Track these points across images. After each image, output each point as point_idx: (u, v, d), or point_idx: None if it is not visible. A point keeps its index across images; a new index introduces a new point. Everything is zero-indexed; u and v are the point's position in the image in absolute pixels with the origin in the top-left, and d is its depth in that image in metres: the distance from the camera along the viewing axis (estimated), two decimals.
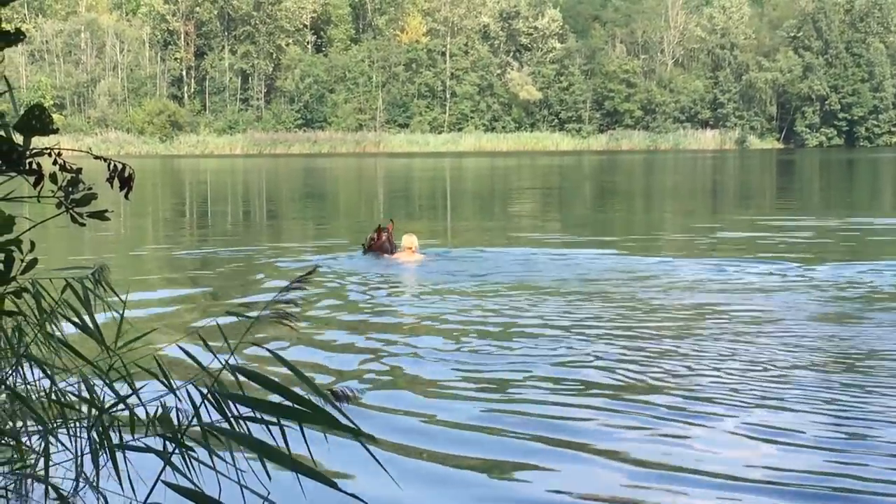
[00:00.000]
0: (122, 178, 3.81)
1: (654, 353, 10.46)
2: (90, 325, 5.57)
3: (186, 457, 5.13)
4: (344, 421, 3.91)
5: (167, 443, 4.91)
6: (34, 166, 2.92)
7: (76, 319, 5.59)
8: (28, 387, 5.59)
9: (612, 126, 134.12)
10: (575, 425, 8.01)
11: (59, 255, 19.13)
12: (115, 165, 3.79)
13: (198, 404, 4.39)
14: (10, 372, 5.34)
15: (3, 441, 5.53)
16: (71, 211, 3.39)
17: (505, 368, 9.89)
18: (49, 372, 5.37)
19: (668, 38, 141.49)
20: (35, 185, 3.30)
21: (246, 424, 4.48)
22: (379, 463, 4.11)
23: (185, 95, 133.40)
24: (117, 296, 6.11)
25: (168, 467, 4.73)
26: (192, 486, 4.65)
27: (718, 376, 9.47)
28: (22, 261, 3.19)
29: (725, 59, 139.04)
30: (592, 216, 32.66)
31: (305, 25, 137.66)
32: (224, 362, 4.20)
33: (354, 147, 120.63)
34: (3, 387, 5.32)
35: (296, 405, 3.91)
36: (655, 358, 10.25)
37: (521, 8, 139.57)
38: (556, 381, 9.38)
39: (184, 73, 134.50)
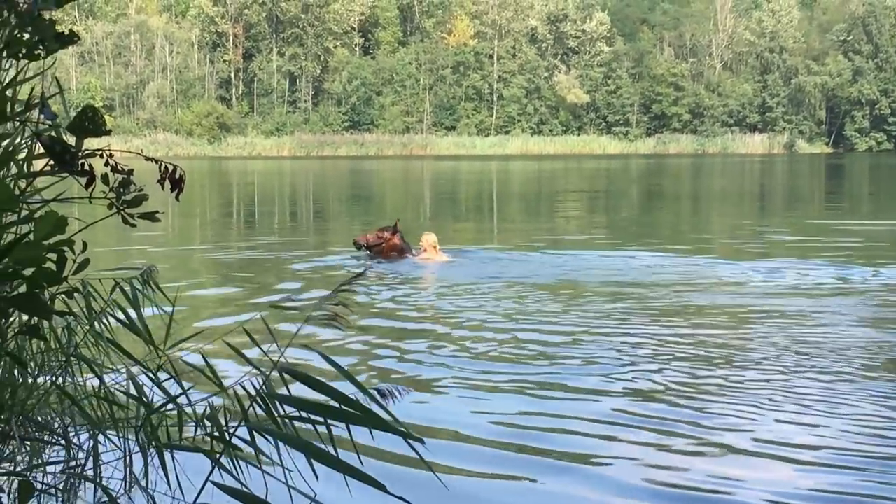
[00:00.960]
0: (173, 180, 3.83)
1: (699, 358, 10.37)
2: (139, 324, 5.59)
3: (234, 457, 5.15)
4: (393, 422, 3.89)
5: (215, 443, 4.92)
6: (86, 167, 2.94)
7: (125, 319, 5.62)
8: (77, 386, 5.62)
9: (660, 130, 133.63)
10: (615, 432, 7.95)
11: (107, 255, 19.26)
12: (166, 167, 3.81)
13: (246, 404, 4.39)
14: (59, 371, 5.37)
15: (53, 440, 5.56)
16: (122, 212, 3.40)
17: (551, 373, 9.84)
18: (98, 371, 5.40)
19: (717, 41, 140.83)
20: (87, 186, 3.31)
21: (293, 425, 4.48)
22: (428, 465, 4.10)
23: (233, 97, 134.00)
24: (165, 296, 6.14)
25: (216, 467, 4.74)
26: (240, 487, 4.65)
27: (765, 383, 9.37)
28: (74, 261, 3.21)
29: (774, 63, 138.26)
30: (638, 219, 32.52)
31: (353, 28, 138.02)
32: (274, 363, 4.21)
33: (401, 149, 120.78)
34: (52, 386, 5.35)
35: (345, 406, 3.90)
36: (701, 363, 10.17)
37: (569, 11, 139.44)
38: (599, 386, 9.29)
39: (232, 75, 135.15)
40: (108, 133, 2.72)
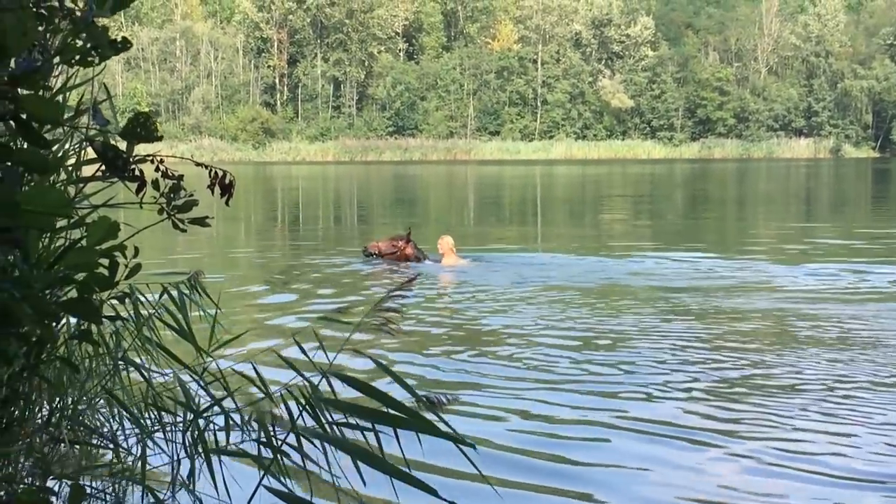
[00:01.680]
0: (223, 185, 3.85)
1: (746, 363, 10.33)
2: (186, 329, 5.62)
3: (281, 462, 5.17)
4: (444, 428, 3.90)
5: (262, 448, 4.94)
6: (136, 173, 2.96)
7: (172, 323, 5.65)
8: (126, 391, 5.65)
9: (705, 134, 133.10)
10: (657, 441, 7.91)
11: (152, 260, 19.37)
12: (216, 172, 3.83)
13: (293, 409, 4.40)
14: (108, 375, 5.40)
15: (101, 443, 5.59)
16: (173, 217, 3.42)
17: (595, 380, 9.82)
18: (146, 375, 5.43)
19: (762, 45, 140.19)
20: (137, 191, 3.33)
21: (340, 430, 4.49)
22: (479, 471, 4.10)
23: (278, 102, 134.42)
24: (212, 301, 6.16)
25: (263, 472, 4.76)
26: (287, 491, 4.66)
27: (816, 390, 9.32)
28: (126, 266, 3.22)
29: (820, 67, 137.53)
30: (684, 223, 32.39)
31: (397, 33, 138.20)
32: (323, 371, 4.21)
33: (445, 154, 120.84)
34: (101, 390, 5.38)
35: (396, 412, 3.91)
36: (749, 369, 10.12)
37: (613, 15, 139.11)
38: (642, 393, 9.27)
39: (277, 80, 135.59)
40: (160, 139, 2.74)
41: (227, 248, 23.80)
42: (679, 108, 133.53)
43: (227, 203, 3.90)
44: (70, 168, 4.24)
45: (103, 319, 5.62)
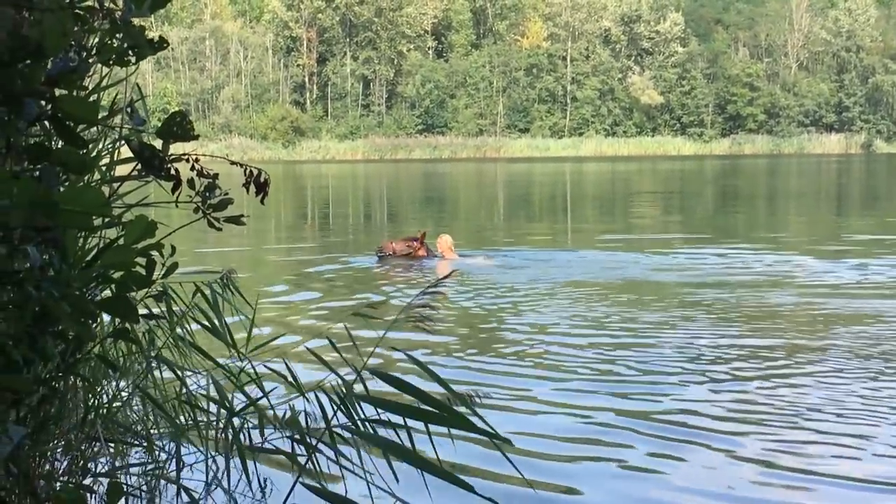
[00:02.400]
0: (258, 184, 3.86)
1: (774, 360, 10.25)
2: (219, 328, 5.63)
3: (315, 460, 5.18)
4: (481, 424, 3.89)
5: (297, 445, 4.95)
6: (172, 172, 2.97)
7: (206, 322, 5.66)
8: (159, 389, 5.67)
9: (735, 130, 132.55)
10: (682, 442, 7.86)
11: (184, 258, 19.42)
12: (251, 171, 3.84)
13: (326, 407, 4.41)
14: (142, 374, 5.42)
15: (136, 442, 5.61)
16: (208, 216, 3.43)
17: (626, 379, 9.77)
18: (180, 374, 5.45)
19: (793, 41, 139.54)
20: (173, 190, 3.34)
21: (373, 428, 4.50)
22: (514, 467, 4.09)
23: (308, 101, 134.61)
24: (245, 299, 6.17)
25: (300, 472, 4.77)
26: (321, 487, 4.67)
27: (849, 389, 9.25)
28: (163, 265, 3.24)
29: (851, 62, 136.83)
30: (713, 219, 32.28)
31: (426, 31, 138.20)
32: (356, 369, 4.22)
33: (475, 152, 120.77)
34: (136, 389, 5.40)
35: (433, 408, 3.91)
36: (784, 365, 10.05)
37: (642, 12, 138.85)
38: (671, 391, 9.21)
39: (306, 79, 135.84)
40: (196, 138, 2.75)
41: (258, 245, 23.85)
42: (709, 104, 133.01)
43: (262, 201, 3.91)
44: (105, 167, 4.26)
45: (141, 318, 5.65)
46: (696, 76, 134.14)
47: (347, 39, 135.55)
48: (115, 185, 4.19)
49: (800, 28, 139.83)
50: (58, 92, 2.18)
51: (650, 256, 20.02)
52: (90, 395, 4.96)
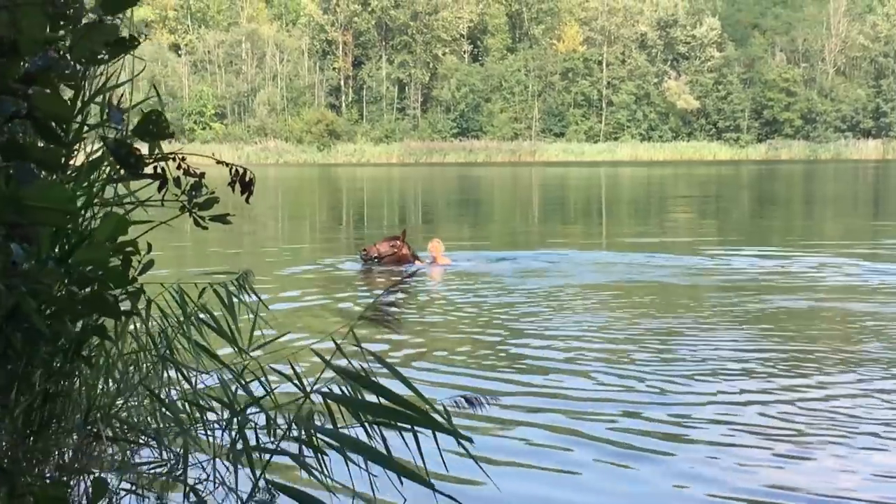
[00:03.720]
0: (244, 183, 3.88)
1: (808, 365, 10.19)
2: (231, 327, 5.66)
3: (321, 460, 5.19)
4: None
5: (302, 446, 4.97)
6: (158, 171, 2.98)
7: (214, 323, 5.68)
8: (167, 389, 5.70)
9: (771, 135, 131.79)
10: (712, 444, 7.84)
11: (213, 258, 19.60)
12: (237, 170, 3.85)
13: (324, 409, 4.42)
14: (150, 374, 5.45)
15: (143, 441, 5.64)
16: (194, 214, 3.44)
17: (652, 380, 9.75)
18: (187, 374, 5.47)
19: (830, 45, 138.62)
20: (159, 189, 3.36)
21: (381, 429, 4.50)
22: (475, 460, 4.10)
23: (343, 104, 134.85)
24: (259, 299, 6.19)
25: (302, 469, 4.79)
26: (326, 489, 4.70)
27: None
28: (139, 262, 3.25)
29: (889, 68, 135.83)
30: (749, 223, 32.17)
31: (462, 35, 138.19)
32: (360, 370, 4.23)
33: (510, 156, 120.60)
34: (144, 389, 5.43)
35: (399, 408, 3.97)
36: (809, 369, 10.00)
37: (678, 16, 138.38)
38: (695, 392, 9.20)
39: (341, 82, 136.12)
40: (172, 136, 2.76)
41: (289, 246, 23.94)
42: (745, 109, 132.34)
43: (247, 200, 3.93)
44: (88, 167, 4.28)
45: (152, 318, 5.69)
46: (732, 81, 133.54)
47: (383, 43, 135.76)
48: (99, 185, 4.19)
49: (837, 33, 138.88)
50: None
51: (683, 259, 20.02)
52: (94, 395, 4.99)
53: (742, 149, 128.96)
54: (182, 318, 5.60)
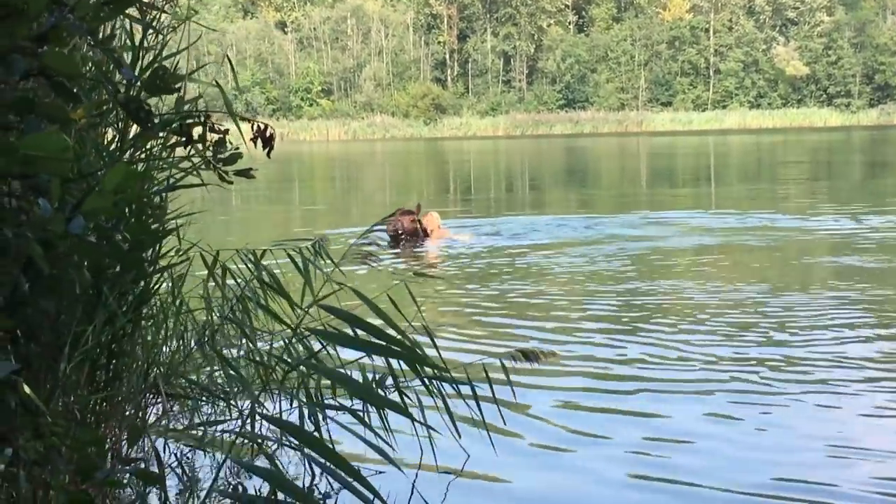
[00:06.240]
0: (264, 138, 3.98)
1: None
2: (301, 290, 5.76)
3: (384, 416, 5.30)
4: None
5: (366, 404, 5.08)
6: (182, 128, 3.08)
7: (280, 286, 5.80)
8: (231, 349, 5.84)
9: (884, 100, 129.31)
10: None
11: (325, 223, 19.91)
12: (258, 126, 3.95)
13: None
14: (211, 333, 5.58)
15: (212, 401, 5.78)
16: (219, 170, 3.55)
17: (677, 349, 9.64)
18: (248, 332, 5.59)
19: None
20: (185, 146, 3.47)
21: (441, 385, 4.58)
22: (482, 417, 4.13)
23: (448, 78, 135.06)
24: (335, 264, 6.29)
25: (365, 427, 4.90)
26: (389, 446, 4.79)
27: None
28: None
29: None
30: (860, 187, 31.67)
31: (567, 6, 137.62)
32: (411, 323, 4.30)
33: (616, 127, 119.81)
34: (209, 350, 5.56)
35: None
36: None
37: None
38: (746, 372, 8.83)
39: (447, 56, 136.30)
40: (178, 91, 2.86)
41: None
42: (856, 74, 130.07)
43: (268, 155, 4.02)
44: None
45: (229, 280, 5.83)
46: (842, 46, 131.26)
47: (488, 16, 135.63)
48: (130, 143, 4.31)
49: None
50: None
51: (792, 220, 19.90)
52: (153, 351, 5.13)
53: (853, 114, 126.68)
54: (249, 281, 5.73)
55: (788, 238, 17.47)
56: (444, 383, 5.06)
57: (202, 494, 5.02)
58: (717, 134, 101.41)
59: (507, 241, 18.14)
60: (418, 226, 18.25)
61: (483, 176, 44.12)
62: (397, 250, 17.34)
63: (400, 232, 17.92)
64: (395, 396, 5.22)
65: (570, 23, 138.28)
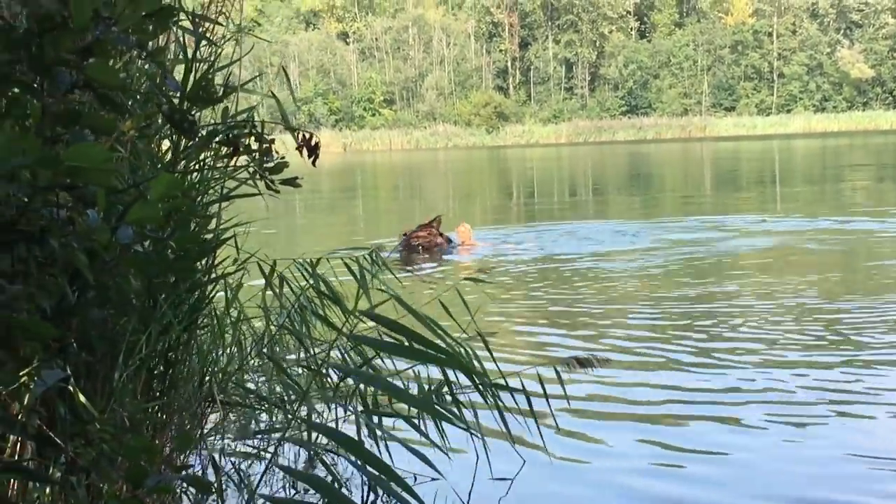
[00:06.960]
0: (310, 147, 4.01)
1: None
2: (343, 299, 5.80)
3: (440, 425, 5.32)
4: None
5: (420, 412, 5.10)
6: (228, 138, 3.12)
7: (335, 296, 5.83)
8: (284, 357, 5.88)
9: None
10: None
11: (386, 232, 20.05)
12: (303, 135, 3.98)
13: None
14: (268, 342, 5.62)
15: (266, 407, 5.82)
16: (266, 178, 3.58)
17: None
18: (304, 341, 5.63)
19: None
20: (231, 156, 3.51)
21: (482, 390, 4.59)
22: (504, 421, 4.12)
23: (510, 86, 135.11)
24: (392, 272, 6.32)
25: (420, 435, 4.91)
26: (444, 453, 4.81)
27: None
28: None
29: None
30: None
31: (628, 12, 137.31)
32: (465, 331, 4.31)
33: (679, 132, 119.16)
34: (264, 356, 5.61)
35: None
36: None
37: None
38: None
39: (508, 64, 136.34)
40: (220, 101, 2.89)
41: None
42: None
43: (313, 164, 4.04)
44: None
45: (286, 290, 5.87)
46: None
47: (549, 23, 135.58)
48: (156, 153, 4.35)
49: None
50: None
51: (861, 223, 19.81)
52: (208, 359, 5.17)
53: None
54: (304, 290, 5.76)
55: (854, 241, 17.39)
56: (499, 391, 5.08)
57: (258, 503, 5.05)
58: (781, 138, 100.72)
59: (561, 249, 18.23)
60: (438, 237, 18.59)
61: (547, 183, 44.19)
62: (433, 263, 17.52)
63: (416, 245, 18.36)
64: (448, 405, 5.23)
65: (631, 29, 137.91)
